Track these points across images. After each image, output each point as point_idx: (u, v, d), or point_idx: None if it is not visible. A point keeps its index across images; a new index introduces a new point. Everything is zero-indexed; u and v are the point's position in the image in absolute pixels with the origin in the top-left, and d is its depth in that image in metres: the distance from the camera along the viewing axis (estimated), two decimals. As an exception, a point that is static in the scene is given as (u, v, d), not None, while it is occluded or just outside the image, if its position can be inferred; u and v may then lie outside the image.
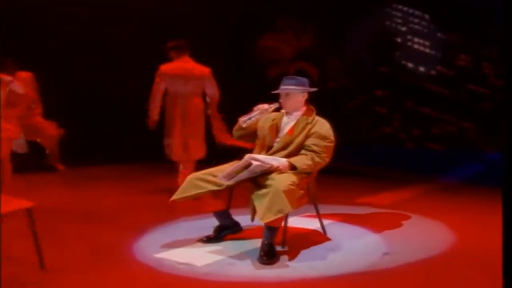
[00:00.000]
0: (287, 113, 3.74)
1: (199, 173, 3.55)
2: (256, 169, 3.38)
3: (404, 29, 8.49)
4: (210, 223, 3.92)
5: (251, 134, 3.80)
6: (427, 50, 8.37)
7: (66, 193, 5.63)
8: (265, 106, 3.59)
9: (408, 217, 4.62)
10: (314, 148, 3.50)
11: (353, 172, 6.81)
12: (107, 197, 5.47)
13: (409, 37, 8.46)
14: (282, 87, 3.67)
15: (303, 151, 3.56)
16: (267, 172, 3.42)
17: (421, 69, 8.40)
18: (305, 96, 3.71)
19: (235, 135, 3.76)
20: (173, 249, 3.65)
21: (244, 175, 3.39)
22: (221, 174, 3.44)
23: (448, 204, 5.29)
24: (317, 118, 3.67)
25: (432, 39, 8.27)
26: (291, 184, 3.32)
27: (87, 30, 7.49)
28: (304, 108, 3.71)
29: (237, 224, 3.88)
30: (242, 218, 3.89)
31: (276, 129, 3.69)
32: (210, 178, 3.48)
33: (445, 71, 8.29)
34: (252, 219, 3.40)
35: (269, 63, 8.49)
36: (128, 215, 4.65)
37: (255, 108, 3.64)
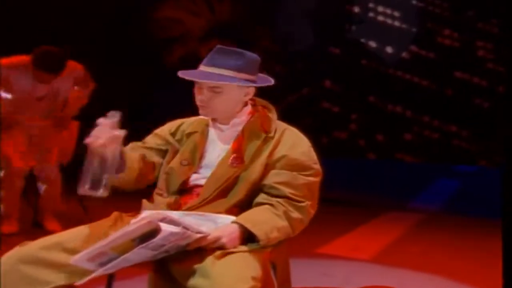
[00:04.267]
0: (216, 121, 2.33)
1: (35, 245, 2.00)
2: (168, 243, 1.87)
3: (364, -6, 8.14)
4: None
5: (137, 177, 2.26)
6: (397, 24, 7.87)
7: None
8: (107, 123, 2.05)
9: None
10: (286, 191, 2.18)
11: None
12: None
13: (371, 5, 7.92)
14: (205, 69, 2.25)
15: (262, 197, 2.19)
16: (193, 250, 1.96)
17: (389, 50, 7.83)
18: (249, 92, 2.29)
19: (97, 193, 2.07)
20: None
21: (137, 256, 1.85)
22: (83, 249, 1.91)
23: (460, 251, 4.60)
24: (282, 126, 2.32)
25: (404, 8, 7.80)
26: (251, 285, 1.86)
27: None
28: (250, 109, 2.31)
29: None
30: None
31: (197, 153, 2.28)
32: (58, 258, 1.96)
33: (423, 53, 7.77)
34: None
35: (169, 43, 7.82)
36: None
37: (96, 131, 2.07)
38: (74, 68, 4.45)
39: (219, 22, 7.90)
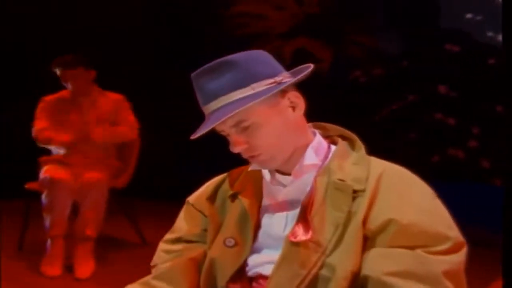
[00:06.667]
0: (273, 172, 1.64)
1: None
2: None
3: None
4: None
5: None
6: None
7: None
8: None
9: None
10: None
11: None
12: None
13: (500, -11, 7.23)
14: (210, 109, 1.54)
15: None
16: None
17: (525, 46, 7.01)
18: (292, 99, 1.57)
19: None
20: None
21: None
22: None
23: None
24: (377, 167, 1.55)
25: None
26: None
27: None
28: (323, 145, 1.62)
29: None
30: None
31: (249, 224, 1.61)
32: None
33: None
34: None
35: (248, 41, 7.53)
36: None
37: None
38: (115, 96, 4.70)
39: (307, 16, 7.47)
